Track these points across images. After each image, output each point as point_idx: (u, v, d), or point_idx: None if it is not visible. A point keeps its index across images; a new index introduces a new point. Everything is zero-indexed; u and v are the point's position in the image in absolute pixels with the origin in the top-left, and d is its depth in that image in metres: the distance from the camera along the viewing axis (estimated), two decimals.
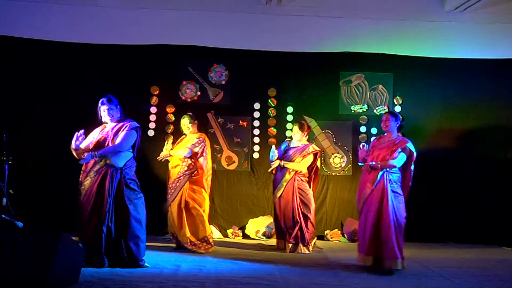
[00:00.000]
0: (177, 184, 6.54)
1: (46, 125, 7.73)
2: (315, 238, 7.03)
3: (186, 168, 6.54)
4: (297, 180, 6.80)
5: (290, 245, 6.71)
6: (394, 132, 5.69)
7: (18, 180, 6.90)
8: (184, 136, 6.84)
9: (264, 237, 7.76)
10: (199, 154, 6.56)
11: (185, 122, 6.72)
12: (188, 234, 6.48)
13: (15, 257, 4.13)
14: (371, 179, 5.54)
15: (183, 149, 6.56)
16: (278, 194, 6.84)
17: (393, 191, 5.45)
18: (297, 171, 6.78)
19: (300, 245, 6.72)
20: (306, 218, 6.79)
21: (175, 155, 6.59)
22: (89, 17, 7.87)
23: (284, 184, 6.79)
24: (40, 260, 4.14)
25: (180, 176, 6.54)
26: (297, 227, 6.71)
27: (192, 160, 6.56)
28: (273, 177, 7.04)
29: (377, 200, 5.45)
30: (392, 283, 5.06)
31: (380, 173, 5.49)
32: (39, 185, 7.58)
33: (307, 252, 6.71)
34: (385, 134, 5.77)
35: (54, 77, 7.84)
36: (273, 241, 7.58)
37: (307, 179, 6.89)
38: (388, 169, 5.49)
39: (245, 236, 7.90)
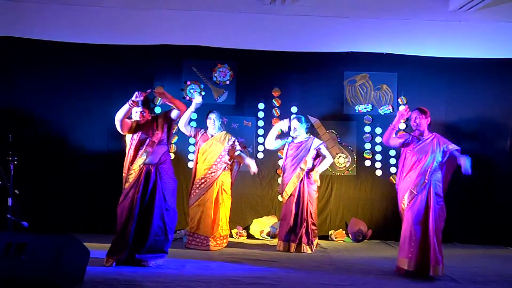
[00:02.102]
0: (208, 180, 6.77)
1: (49, 125, 7.75)
2: (317, 238, 7.04)
3: (220, 163, 6.81)
4: (305, 178, 6.82)
5: (294, 244, 6.72)
6: (426, 129, 5.55)
7: (23, 180, 6.92)
8: (204, 132, 6.93)
9: (268, 237, 7.76)
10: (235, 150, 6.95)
11: (215, 117, 6.89)
12: (219, 229, 6.76)
13: (21, 257, 4.14)
14: (417, 182, 5.36)
15: (252, 161, 6.93)
16: (289, 193, 6.84)
17: (436, 193, 5.32)
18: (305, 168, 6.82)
19: (303, 244, 6.72)
20: (312, 217, 6.81)
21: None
22: (93, 18, 7.87)
23: (296, 182, 6.81)
24: (45, 259, 4.15)
25: (212, 172, 6.78)
26: (303, 227, 6.72)
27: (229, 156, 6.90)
28: (282, 176, 7.03)
29: (423, 203, 5.31)
30: (398, 284, 5.06)
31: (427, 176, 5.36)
32: (44, 185, 7.60)
33: (309, 251, 6.71)
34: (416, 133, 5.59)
35: (56, 77, 7.85)
36: (277, 241, 7.57)
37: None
38: (435, 170, 5.38)
39: (250, 236, 7.90)
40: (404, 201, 5.43)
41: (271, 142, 7.01)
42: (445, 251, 7.04)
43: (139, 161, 5.42)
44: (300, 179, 6.81)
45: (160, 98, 7.83)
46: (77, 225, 7.49)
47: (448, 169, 5.55)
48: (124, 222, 5.34)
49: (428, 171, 5.36)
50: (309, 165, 6.89)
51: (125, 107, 5.39)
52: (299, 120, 6.94)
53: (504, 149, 8.13)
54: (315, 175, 6.88)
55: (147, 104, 5.66)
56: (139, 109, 5.52)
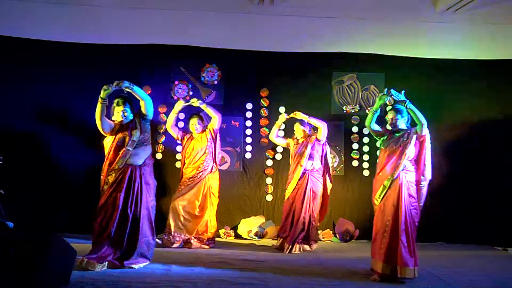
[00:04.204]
0: (196, 179, 6.85)
1: (35, 124, 7.67)
2: (317, 242, 7.09)
3: (206, 161, 6.91)
4: (311, 178, 6.86)
5: (287, 244, 6.74)
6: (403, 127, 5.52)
7: (9, 180, 6.87)
8: (190, 136, 7.09)
9: (256, 237, 7.75)
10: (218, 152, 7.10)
11: (196, 122, 7.03)
12: (208, 231, 6.86)
13: (6, 258, 4.10)
14: (387, 176, 5.32)
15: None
16: (290, 190, 6.91)
17: (409, 194, 5.25)
18: (309, 169, 6.87)
19: (297, 245, 6.74)
20: (312, 218, 6.81)
21: None
22: (81, 17, 7.79)
23: (297, 179, 6.86)
24: (31, 260, 4.11)
25: (200, 172, 6.86)
26: (302, 227, 6.72)
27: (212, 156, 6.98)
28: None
29: (392, 202, 5.24)
30: (385, 284, 5.06)
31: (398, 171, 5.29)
32: (30, 185, 7.53)
33: (296, 251, 6.71)
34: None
35: (42, 77, 7.77)
36: (265, 241, 7.58)
37: (321, 175, 6.97)
38: (405, 166, 5.30)
39: (237, 236, 7.89)
40: (376, 198, 5.41)
41: (273, 136, 7.33)
42: (432, 250, 7.15)
43: (120, 161, 5.38)
44: (300, 176, 6.84)
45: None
46: (64, 225, 7.44)
47: (421, 150, 5.43)
48: (108, 225, 5.27)
49: (400, 165, 5.29)
50: (317, 165, 6.92)
51: (98, 106, 5.39)
52: (301, 123, 7.03)
53: (489, 149, 8.17)
54: (300, 115, 6.93)
55: (129, 102, 5.60)
56: (121, 108, 5.50)
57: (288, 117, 7.08)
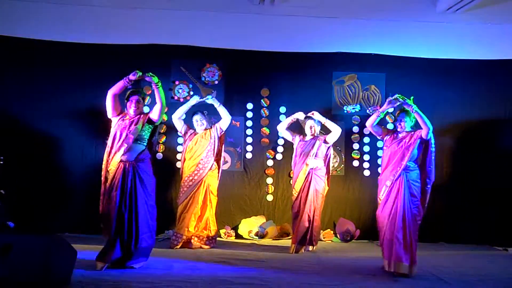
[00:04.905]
0: (196, 178, 6.82)
1: (35, 124, 7.68)
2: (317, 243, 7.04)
3: (207, 158, 6.87)
4: (314, 177, 6.83)
5: (293, 245, 6.74)
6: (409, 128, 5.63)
7: (9, 180, 6.87)
8: (193, 132, 7.04)
9: (256, 237, 7.75)
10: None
11: (200, 118, 7.00)
12: (207, 229, 6.85)
13: (6, 258, 4.10)
14: (389, 177, 5.41)
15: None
16: (298, 189, 6.85)
17: (410, 193, 5.32)
18: (313, 168, 6.81)
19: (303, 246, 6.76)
20: (314, 218, 6.79)
21: None
22: (81, 16, 7.81)
23: (303, 178, 6.82)
24: (31, 260, 4.11)
25: (200, 170, 6.83)
26: (301, 228, 6.71)
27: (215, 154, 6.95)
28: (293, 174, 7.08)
29: (392, 201, 5.33)
30: (384, 283, 5.07)
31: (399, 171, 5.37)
32: (31, 185, 7.53)
33: (300, 251, 6.72)
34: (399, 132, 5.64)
35: (42, 77, 7.78)
36: (265, 241, 7.59)
37: (324, 174, 6.93)
38: (406, 167, 5.36)
39: (238, 236, 7.89)
40: (380, 197, 5.50)
41: (282, 127, 7.15)
42: (432, 250, 7.15)
43: (117, 157, 5.36)
44: (306, 175, 6.81)
45: (149, 96, 7.77)
46: (64, 225, 7.44)
47: (425, 154, 5.53)
48: (107, 224, 5.28)
49: (401, 166, 5.36)
50: (320, 164, 6.90)
51: (120, 83, 5.45)
52: (315, 122, 7.00)
53: (488, 148, 8.17)
54: (317, 115, 6.94)
55: (142, 96, 5.67)
56: (139, 97, 5.56)
57: (309, 114, 6.99)
